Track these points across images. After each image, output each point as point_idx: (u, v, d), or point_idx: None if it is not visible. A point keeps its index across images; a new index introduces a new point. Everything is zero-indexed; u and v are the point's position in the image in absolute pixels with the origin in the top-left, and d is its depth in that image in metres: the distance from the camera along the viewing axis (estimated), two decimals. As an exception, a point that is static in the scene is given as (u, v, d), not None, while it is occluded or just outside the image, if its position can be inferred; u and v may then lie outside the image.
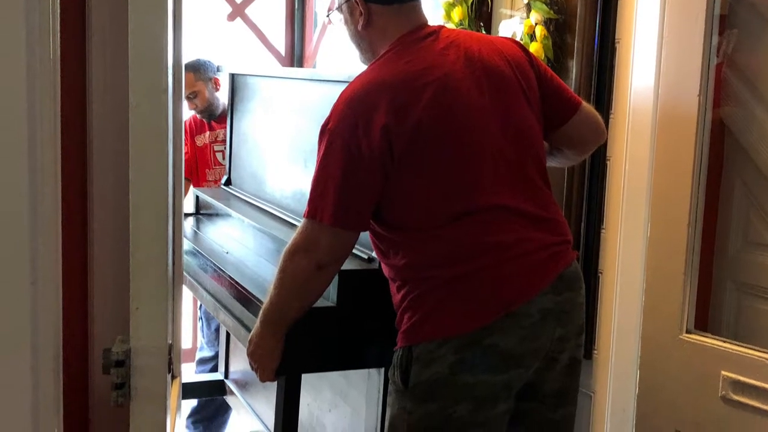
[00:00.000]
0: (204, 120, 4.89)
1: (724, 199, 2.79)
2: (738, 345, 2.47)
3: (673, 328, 2.61)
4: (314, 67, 5.59)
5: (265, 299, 2.34)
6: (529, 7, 2.96)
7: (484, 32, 3.19)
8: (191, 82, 4.70)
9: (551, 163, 2.47)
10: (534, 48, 2.86)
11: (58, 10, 1.30)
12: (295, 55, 5.60)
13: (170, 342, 1.53)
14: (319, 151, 2.19)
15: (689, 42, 2.54)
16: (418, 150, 2.13)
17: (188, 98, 4.72)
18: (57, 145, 1.30)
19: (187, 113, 4.87)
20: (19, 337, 1.24)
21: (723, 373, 2.46)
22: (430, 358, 2.14)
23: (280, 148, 3.47)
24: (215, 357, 4.63)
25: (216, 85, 4.83)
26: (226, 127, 4.25)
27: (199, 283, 3.30)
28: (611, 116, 2.78)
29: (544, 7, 2.88)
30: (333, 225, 2.15)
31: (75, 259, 1.69)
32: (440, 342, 2.13)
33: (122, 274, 1.52)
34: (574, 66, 2.82)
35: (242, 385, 4.02)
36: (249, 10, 5.48)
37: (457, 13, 3.24)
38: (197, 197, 4.12)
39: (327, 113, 2.20)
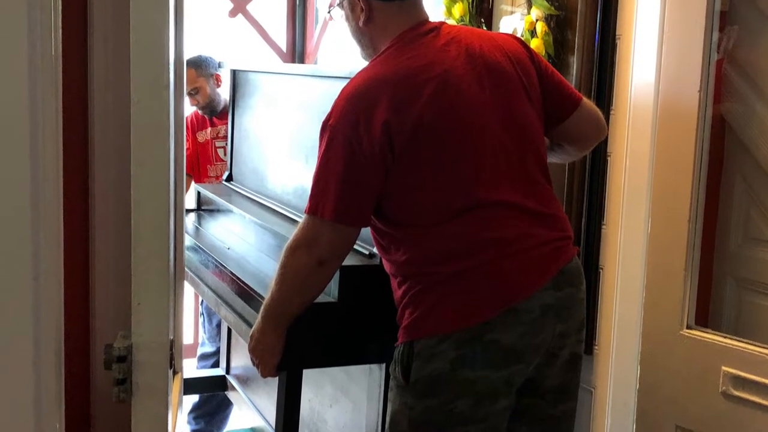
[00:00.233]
0: (205, 116, 4.89)
1: (725, 195, 2.79)
2: (738, 340, 2.47)
3: (673, 323, 2.62)
4: (315, 63, 5.59)
5: (267, 295, 2.34)
6: (529, 4, 2.96)
7: (484, 28, 3.19)
8: (193, 78, 4.70)
9: (552, 159, 2.47)
10: (535, 44, 2.86)
11: (60, 6, 1.30)
12: (297, 52, 5.60)
13: (172, 337, 1.53)
14: (320, 147, 2.19)
15: (690, 38, 2.54)
16: (418, 146, 2.13)
17: (190, 94, 4.72)
18: (58, 140, 1.31)
19: (189, 109, 4.87)
20: (21, 333, 1.24)
21: (723, 368, 2.46)
22: (431, 353, 2.15)
23: (282, 144, 3.47)
24: (216, 352, 4.64)
25: (217, 81, 4.83)
26: (227, 123, 4.25)
27: (201, 279, 3.30)
28: (612, 112, 2.78)
29: (545, 3, 2.88)
30: (334, 221, 2.16)
31: (77, 254, 1.69)
32: (441, 337, 2.14)
33: (124, 269, 1.52)
34: (574, 62, 2.82)
35: (243, 381, 4.02)
36: (250, 7, 5.48)
37: (458, 9, 3.24)
38: (199, 193, 4.13)
39: (328, 109, 2.20)
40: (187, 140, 4.69)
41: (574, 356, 2.30)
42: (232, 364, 4.22)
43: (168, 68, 1.44)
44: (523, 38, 2.75)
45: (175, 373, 1.81)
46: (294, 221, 3.06)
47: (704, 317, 2.75)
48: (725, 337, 2.51)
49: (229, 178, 4.06)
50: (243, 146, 3.95)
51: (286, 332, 2.35)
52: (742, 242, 2.78)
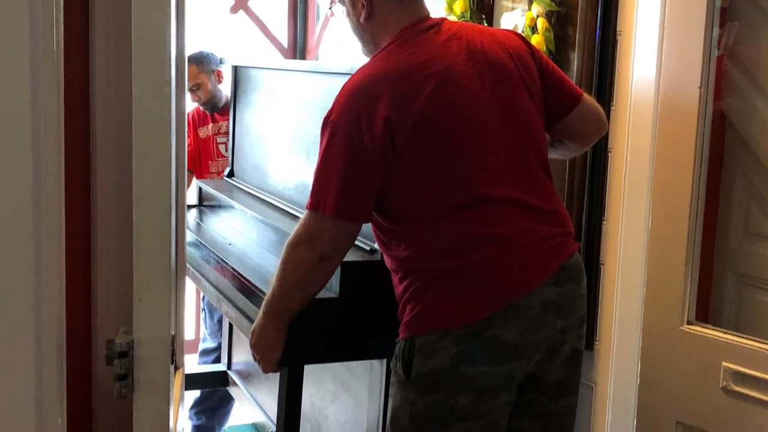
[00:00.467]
0: (207, 112, 4.89)
1: (725, 190, 2.79)
2: (739, 336, 2.47)
3: (674, 319, 2.62)
4: (317, 59, 5.59)
5: (268, 290, 2.35)
6: (530, 0, 2.96)
7: (485, 25, 3.19)
8: (194, 74, 4.71)
9: (553, 154, 2.47)
10: (536, 40, 2.86)
11: (62, 2, 1.30)
12: (298, 48, 5.60)
13: (173, 333, 1.54)
14: (321, 143, 2.20)
15: (690, 34, 2.54)
16: (419, 142, 2.14)
17: (191, 90, 4.73)
18: (60, 136, 1.31)
19: (190, 105, 4.88)
20: (22, 328, 1.24)
21: (724, 364, 2.47)
22: (431, 349, 2.15)
23: (283, 140, 3.47)
24: (218, 348, 4.64)
25: (219, 77, 4.84)
26: (228, 119, 4.25)
27: (202, 275, 3.31)
28: (612, 108, 2.78)
29: (546, -1, 2.88)
30: (335, 216, 2.16)
31: (78, 250, 1.69)
32: (442, 333, 2.14)
33: (125, 265, 1.52)
34: (575, 58, 2.82)
35: (245, 376, 4.03)
36: (252, 3, 5.48)
37: (459, 5, 3.24)
38: (200, 189, 4.13)
39: (329, 105, 2.21)
40: (189, 136, 4.70)
41: (574, 352, 2.31)
42: (234, 359, 4.22)
43: (169, 64, 1.44)
44: (523, 34, 2.75)
45: (176, 368, 1.81)
46: (295, 217, 3.06)
47: (705, 313, 2.76)
48: (726, 333, 2.51)
49: (231, 174, 4.06)
50: (244, 142, 3.95)
51: (288, 328, 2.36)
52: (742, 238, 2.79)
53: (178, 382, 1.92)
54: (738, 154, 2.74)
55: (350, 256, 2.40)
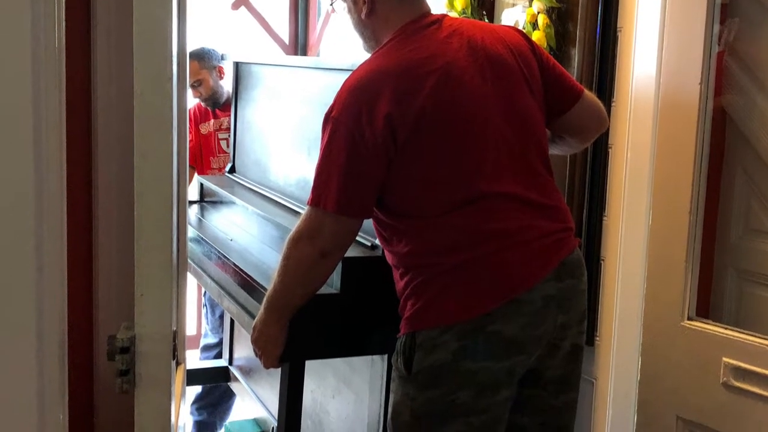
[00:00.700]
0: (208, 108, 4.89)
1: (726, 186, 2.80)
2: (739, 332, 2.47)
3: (674, 314, 2.62)
4: (318, 55, 5.59)
5: (269, 286, 2.35)
6: (531, -4, 2.97)
7: (486, 21, 3.19)
8: (196, 71, 4.70)
9: (553, 150, 2.47)
10: (536, 36, 2.86)
11: (63, -1, 1.31)
12: (299, 44, 5.60)
13: (175, 328, 1.54)
14: (322, 139, 2.20)
15: (691, 30, 2.54)
16: (421, 138, 2.14)
17: (193, 86, 4.73)
18: (62, 132, 1.31)
19: (192, 101, 4.87)
20: (24, 324, 1.25)
21: (724, 359, 2.47)
22: (432, 344, 2.16)
23: (284, 136, 3.48)
24: (219, 344, 4.65)
25: (220, 73, 4.84)
26: (230, 115, 4.25)
27: (204, 271, 3.31)
28: (613, 104, 2.78)
29: (547, -5, 2.88)
30: (337, 212, 2.16)
31: (80, 246, 1.69)
32: (443, 329, 2.15)
33: (127, 261, 1.52)
34: (576, 54, 2.82)
35: (246, 372, 4.04)
36: (253, -1, 5.49)
37: (460, 1, 3.24)
38: (201, 185, 4.13)
39: (331, 101, 2.21)
40: (190, 132, 4.69)
41: (575, 347, 2.31)
42: (235, 355, 4.23)
43: (171, 60, 1.45)
44: (524, 30, 2.75)
45: (178, 364, 1.81)
46: (296, 213, 3.07)
47: (705, 308, 2.76)
48: (726, 329, 2.51)
49: (232, 170, 4.06)
50: (246, 138, 3.95)
51: (289, 323, 2.36)
52: (742, 234, 2.79)
53: (179, 377, 1.92)
54: (738, 150, 2.75)
55: (351, 252, 2.40)
